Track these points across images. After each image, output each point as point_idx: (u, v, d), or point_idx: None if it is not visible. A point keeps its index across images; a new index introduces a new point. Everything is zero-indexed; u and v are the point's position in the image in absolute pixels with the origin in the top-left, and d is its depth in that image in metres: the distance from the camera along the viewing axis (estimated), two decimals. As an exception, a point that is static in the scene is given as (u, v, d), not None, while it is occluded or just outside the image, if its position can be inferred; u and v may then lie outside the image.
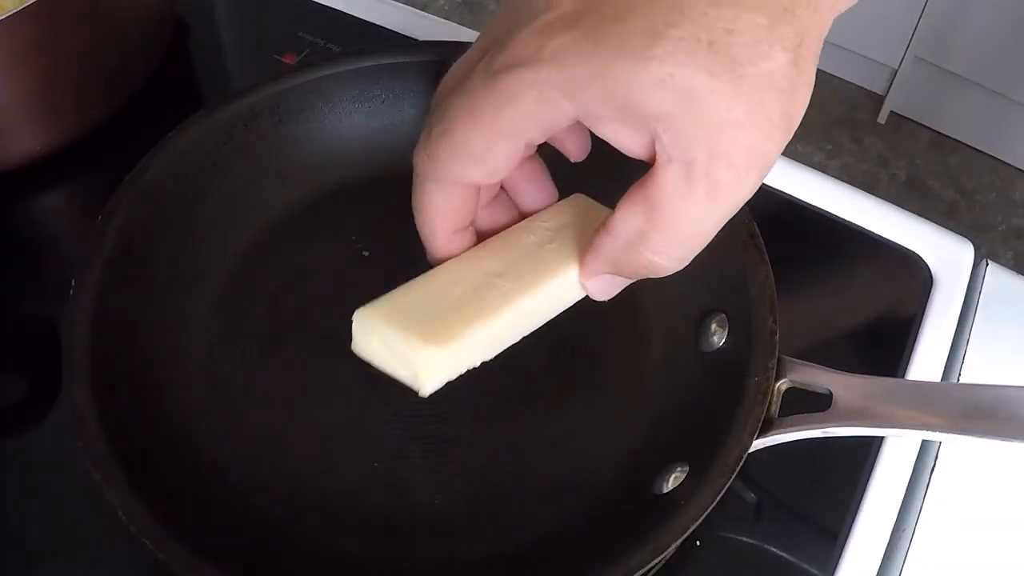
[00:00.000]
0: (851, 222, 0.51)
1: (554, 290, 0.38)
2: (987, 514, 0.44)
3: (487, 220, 0.39)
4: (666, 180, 0.31)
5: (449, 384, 0.36)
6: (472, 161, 0.34)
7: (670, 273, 0.35)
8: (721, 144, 0.31)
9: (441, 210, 0.36)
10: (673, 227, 0.33)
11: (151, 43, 0.55)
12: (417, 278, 0.38)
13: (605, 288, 0.37)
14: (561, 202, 0.41)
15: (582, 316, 0.46)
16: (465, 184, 0.35)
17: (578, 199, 0.42)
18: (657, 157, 0.31)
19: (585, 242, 0.40)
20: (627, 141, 0.32)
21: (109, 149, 0.52)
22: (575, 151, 0.39)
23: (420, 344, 0.34)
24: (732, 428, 0.38)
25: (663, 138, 0.31)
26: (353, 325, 0.36)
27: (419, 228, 0.37)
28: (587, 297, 0.40)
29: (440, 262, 0.38)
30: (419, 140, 0.35)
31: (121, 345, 0.42)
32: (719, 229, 0.33)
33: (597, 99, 0.31)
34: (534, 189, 0.40)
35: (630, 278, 0.36)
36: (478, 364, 0.37)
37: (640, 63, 0.30)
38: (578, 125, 0.36)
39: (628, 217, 0.33)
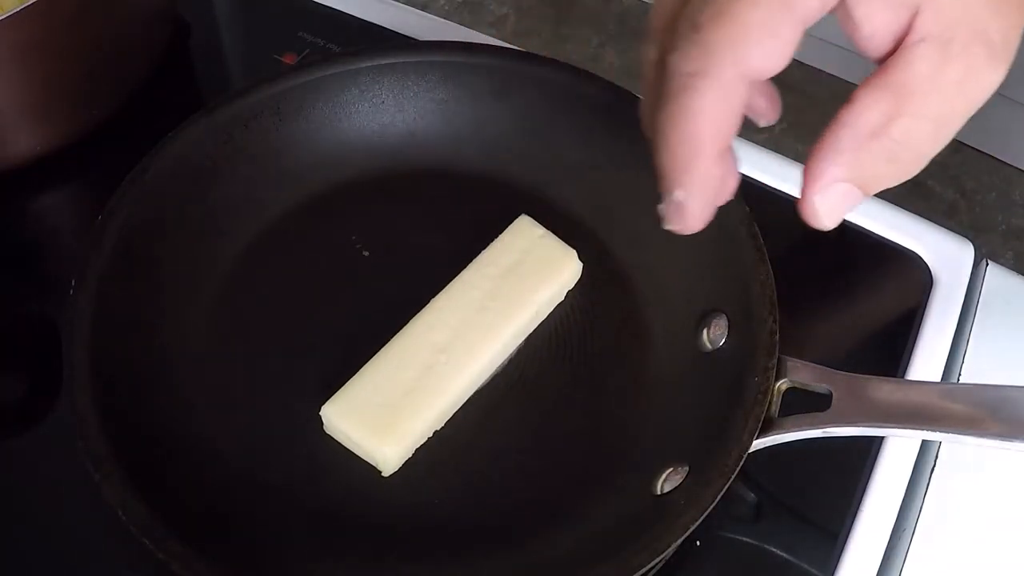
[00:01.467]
0: (851, 222, 0.51)
1: (497, 351, 0.44)
2: (987, 514, 0.44)
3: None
4: (919, 59, 0.31)
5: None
6: (758, 42, 0.30)
7: (909, 177, 0.33)
8: (980, 23, 0.30)
9: (715, 116, 0.31)
10: (924, 111, 0.31)
11: (151, 43, 0.55)
12: (372, 360, 0.43)
13: (835, 206, 0.33)
14: (506, 233, 0.46)
15: (582, 316, 0.46)
16: (749, 73, 0.31)
17: (522, 224, 0.46)
18: (909, 36, 0.31)
19: (529, 284, 0.44)
20: (880, 22, 0.31)
21: (109, 149, 0.52)
22: (770, 110, 0.38)
23: (377, 444, 0.41)
24: (732, 428, 0.38)
25: (925, 13, 0.30)
26: (322, 417, 0.42)
27: (675, 152, 0.32)
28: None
29: (692, 201, 0.33)
30: (678, 39, 0.31)
31: (121, 345, 0.42)
32: (962, 124, 0.32)
33: None
34: (766, 103, 0.37)
35: (863, 189, 0.33)
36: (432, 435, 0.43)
37: None
38: (768, 86, 0.35)
39: (872, 104, 0.31)
